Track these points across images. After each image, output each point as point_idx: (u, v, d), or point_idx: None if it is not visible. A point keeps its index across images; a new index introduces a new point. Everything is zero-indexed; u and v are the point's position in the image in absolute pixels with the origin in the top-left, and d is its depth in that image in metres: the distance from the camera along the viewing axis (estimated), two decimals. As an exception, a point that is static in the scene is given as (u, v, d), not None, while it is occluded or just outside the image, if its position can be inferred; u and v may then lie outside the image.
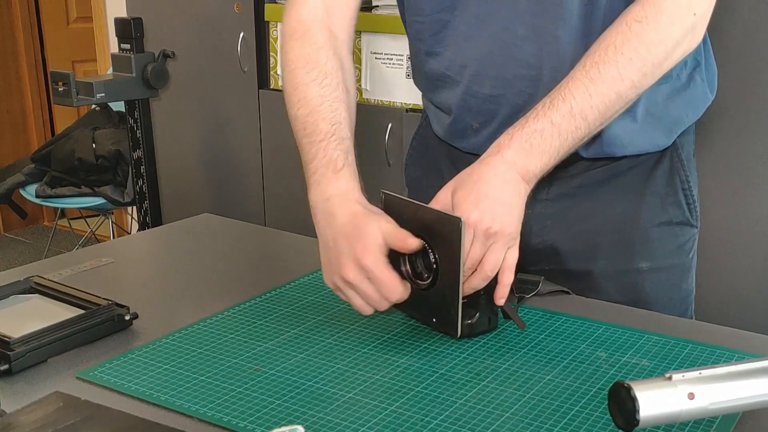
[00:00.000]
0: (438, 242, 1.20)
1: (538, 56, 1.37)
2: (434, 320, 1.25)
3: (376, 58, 3.05)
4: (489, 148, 1.25)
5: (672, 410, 0.84)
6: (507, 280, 1.22)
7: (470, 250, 1.18)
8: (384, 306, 1.19)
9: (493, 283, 1.21)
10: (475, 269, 1.19)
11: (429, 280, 1.23)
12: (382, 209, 1.26)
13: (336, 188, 1.29)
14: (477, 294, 1.23)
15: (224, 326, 1.30)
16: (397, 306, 1.23)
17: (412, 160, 1.69)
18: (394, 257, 1.21)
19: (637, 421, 0.82)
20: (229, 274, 1.53)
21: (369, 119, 3.07)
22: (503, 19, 1.37)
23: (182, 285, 1.48)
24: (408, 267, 1.24)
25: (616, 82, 1.25)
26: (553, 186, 1.47)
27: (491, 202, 1.19)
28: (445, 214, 1.19)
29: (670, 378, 0.84)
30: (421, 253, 1.22)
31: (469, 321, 1.25)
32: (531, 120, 1.24)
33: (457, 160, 1.55)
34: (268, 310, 1.36)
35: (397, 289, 1.17)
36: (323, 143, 1.35)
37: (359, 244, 1.17)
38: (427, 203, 1.25)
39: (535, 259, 1.49)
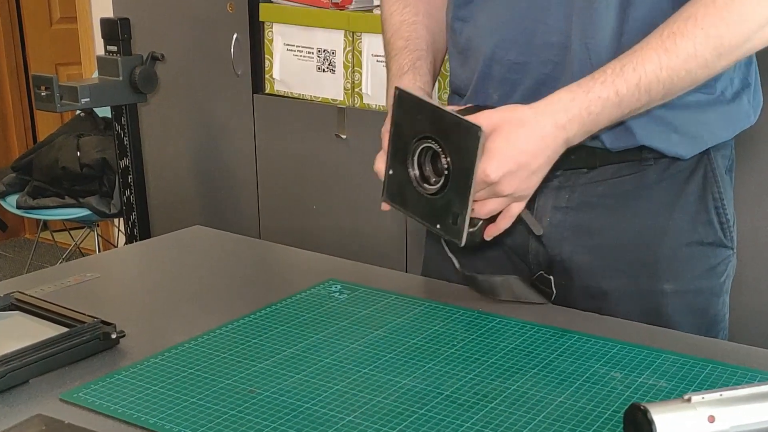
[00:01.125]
0: (453, 147, 1.24)
1: (568, 21, 1.36)
2: (438, 226, 1.29)
3: (378, 60, 3.05)
4: (549, 96, 1.26)
5: (691, 434, 0.84)
6: (502, 224, 1.30)
7: (477, 192, 1.24)
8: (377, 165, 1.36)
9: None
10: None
11: (437, 185, 1.28)
12: (393, 106, 1.33)
13: (404, 81, 1.46)
14: None
15: (217, 345, 1.30)
16: (401, 205, 1.33)
17: None
18: (402, 156, 1.31)
19: (654, 446, 0.82)
20: (221, 290, 1.53)
21: (371, 125, 3.08)
22: None
23: (172, 301, 1.49)
24: (416, 170, 1.30)
25: (690, 58, 1.25)
26: (576, 193, 1.46)
27: (518, 169, 1.23)
28: (464, 120, 1.22)
29: (689, 400, 0.84)
30: (431, 156, 1.28)
31: (472, 230, 1.29)
32: (598, 85, 1.25)
33: None
34: (263, 328, 1.36)
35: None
36: (397, 56, 1.51)
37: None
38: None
39: (550, 271, 1.49)
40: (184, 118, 3.79)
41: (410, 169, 1.30)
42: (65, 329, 1.27)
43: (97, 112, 4.19)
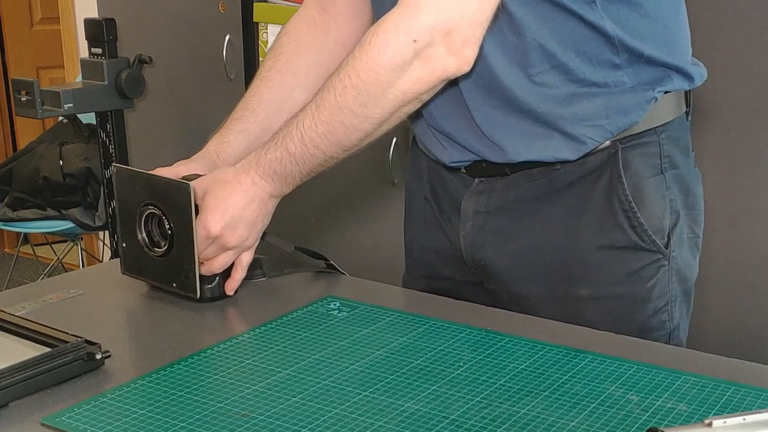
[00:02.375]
0: (171, 208, 1.48)
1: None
2: (174, 285, 1.52)
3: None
4: (243, 160, 1.51)
5: (712, 460, 0.84)
6: (238, 276, 1.54)
7: (205, 249, 1.48)
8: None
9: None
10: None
11: (165, 247, 1.50)
12: (114, 183, 1.54)
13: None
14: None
15: (208, 366, 1.30)
16: (139, 274, 1.56)
17: (408, 171, 1.79)
18: (132, 228, 1.53)
19: (673, 473, 0.83)
20: (213, 308, 1.53)
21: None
22: None
23: (160, 320, 1.49)
24: (144, 235, 1.53)
25: (336, 110, 1.38)
26: (492, 197, 1.54)
27: (235, 221, 1.48)
28: (174, 181, 1.48)
29: (710, 424, 0.84)
30: (157, 221, 1.51)
31: (209, 285, 1.52)
32: (271, 148, 1.46)
33: (429, 166, 1.67)
34: (257, 347, 1.36)
35: None
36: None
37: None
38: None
39: (483, 276, 1.59)
40: (174, 125, 3.80)
41: (139, 234, 1.52)
42: (47, 349, 1.27)
43: (81, 119, 4.19)
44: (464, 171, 1.58)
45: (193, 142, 3.74)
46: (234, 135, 1.71)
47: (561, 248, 1.51)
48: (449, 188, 1.62)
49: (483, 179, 1.55)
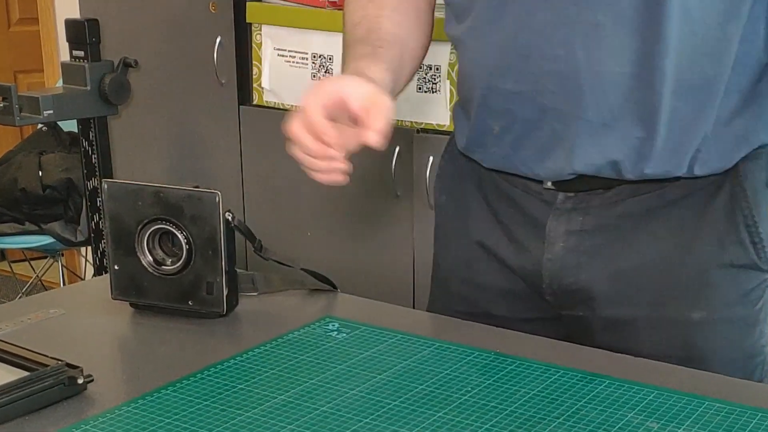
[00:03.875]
0: (188, 221, 1.51)
1: (569, 47, 1.38)
2: (190, 303, 1.54)
3: (380, 67, 3.06)
4: None
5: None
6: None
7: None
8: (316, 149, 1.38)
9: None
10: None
11: (179, 263, 1.52)
12: (105, 200, 1.53)
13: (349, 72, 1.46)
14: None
15: (198, 391, 1.30)
16: (138, 297, 1.56)
17: (438, 182, 1.71)
18: (127, 247, 1.54)
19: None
20: (203, 329, 1.54)
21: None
22: (524, 2, 1.39)
23: (147, 341, 1.49)
24: (149, 256, 1.52)
25: None
26: (590, 215, 1.48)
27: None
28: (196, 191, 1.51)
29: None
30: (159, 239, 1.54)
31: (226, 292, 1.54)
32: None
33: (483, 181, 1.58)
34: (251, 371, 1.37)
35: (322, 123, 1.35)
36: (354, 45, 1.52)
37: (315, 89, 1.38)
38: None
39: (568, 302, 1.52)
40: (161, 133, 3.80)
41: (142, 257, 1.53)
42: (25, 373, 1.27)
43: (62, 126, 4.20)
44: (551, 186, 1.50)
45: (181, 151, 3.75)
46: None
47: (673, 267, 1.46)
48: (526, 208, 1.54)
49: (572, 194, 1.49)
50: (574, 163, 1.43)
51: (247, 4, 3.38)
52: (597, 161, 1.42)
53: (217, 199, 1.50)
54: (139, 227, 1.53)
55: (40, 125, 4.17)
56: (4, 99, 3.24)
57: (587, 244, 1.49)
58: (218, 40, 3.49)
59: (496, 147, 1.50)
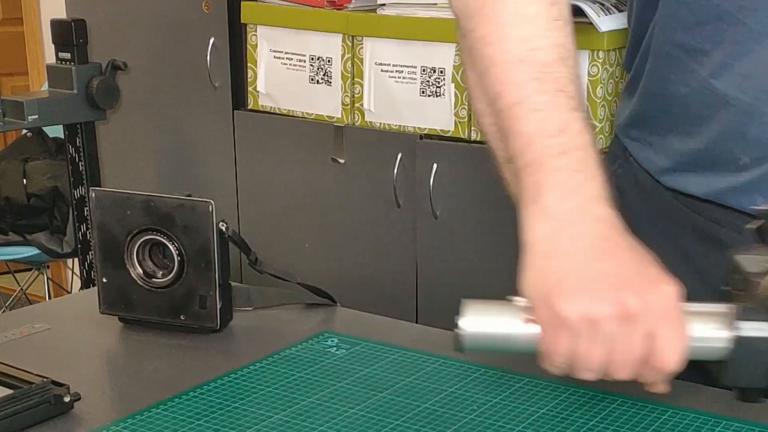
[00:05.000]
0: (180, 231, 1.51)
1: None
2: (183, 317, 1.54)
3: (382, 70, 3.06)
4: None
5: None
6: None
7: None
8: (631, 373, 1.05)
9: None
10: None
11: (171, 276, 1.53)
12: (92, 209, 1.54)
13: (605, 192, 1.09)
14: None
15: (190, 410, 1.31)
16: (127, 311, 1.56)
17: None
18: (116, 259, 1.53)
19: None
20: (195, 344, 1.54)
21: (373, 148, 3.09)
22: None
23: (137, 358, 1.49)
24: (138, 268, 1.52)
25: None
26: None
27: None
28: (190, 199, 1.51)
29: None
30: (149, 250, 1.53)
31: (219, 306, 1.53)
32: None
33: (693, 213, 1.40)
34: (245, 389, 1.37)
35: (684, 349, 1.03)
36: (578, 116, 1.12)
37: (653, 266, 1.05)
38: None
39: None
40: (151, 139, 3.81)
41: (131, 270, 1.53)
42: (9, 391, 1.27)
43: (47, 132, 4.20)
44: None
45: (173, 158, 3.76)
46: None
47: None
48: (720, 241, 1.33)
49: None
50: None
51: (242, 3, 3.38)
52: None
53: (211, 208, 1.50)
54: (129, 238, 1.54)
55: (24, 131, 4.18)
56: (-14, 103, 3.25)
57: None
58: (211, 41, 3.49)
59: (733, 175, 1.33)
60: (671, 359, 1.01)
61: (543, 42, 1.14)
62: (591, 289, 1.00)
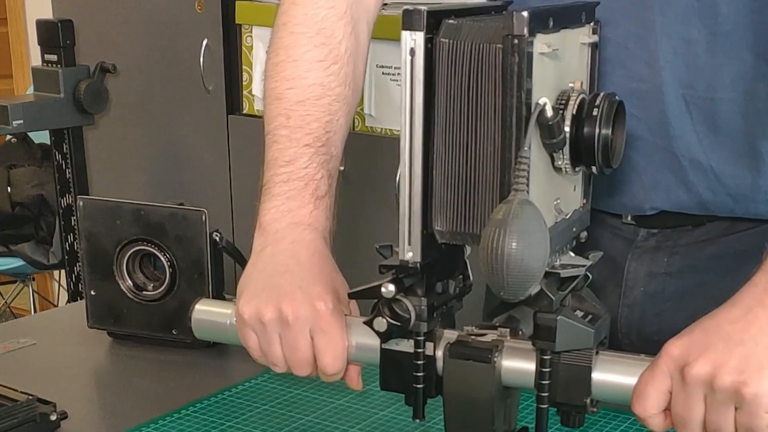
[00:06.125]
0: (172, 241, 1.49)
1: (652, 65, 1.33)
2: (175, 332, 1.51)
3: (383, 73, 3.06)
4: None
5: None
6: None
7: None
8: (305, 370, 1.23)
9: None
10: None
11: (162, 288, 1.52)
12: (80, 219, 1.54)
13: (313, 219, 1.33)
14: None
15: (181, 429, 1.31)
16: (117, 325, 1.55)
17: None
18: (104, 271, 1.53)
19: None
20: (188, 360, 1.54)
21: (374, 154, 3.09)
22: (605, 9, 1.32)
23: (126, 375, 1.49)
24: (128, 281, 1.53)
25: None
26: (677, 255, 1.43)
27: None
28: (182, 208, 1.49)
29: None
30: (139, 261, 1.52)
31: None
32: None
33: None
34: (239, 407, 1.37)
35: (341, 355, 1.23)
36: (308, 151, 1.35)
37: (321, 286, 1.26)
38: None
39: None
40: (142, 145, 3.81)
41: (121, 282, 1.54)
42: (-8, 409, 1.28)
43: (33, 138, 4.20)
44: (631, 221, 1.45)
45: (164, 165, 3.75)
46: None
47: None
48: (602, 247, 1.36)
49: (656, 231, 1.44)
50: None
51: (237, 3, 3.38)
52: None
53: (204, 217, 1.50)
54: (118, 249, 1.54)
55: (8, 136, 4.18)
56: (-32, 108, 3.25)
57: (671, 289, 1.44)
58: (205, 42, 3.49)
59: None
60: (328, 362, 1.20)
61: (302, 82, 1.36)
62: (262, 296, 1.22)
